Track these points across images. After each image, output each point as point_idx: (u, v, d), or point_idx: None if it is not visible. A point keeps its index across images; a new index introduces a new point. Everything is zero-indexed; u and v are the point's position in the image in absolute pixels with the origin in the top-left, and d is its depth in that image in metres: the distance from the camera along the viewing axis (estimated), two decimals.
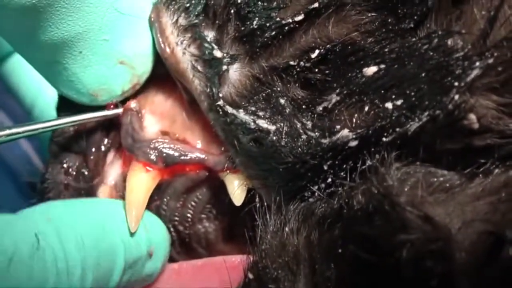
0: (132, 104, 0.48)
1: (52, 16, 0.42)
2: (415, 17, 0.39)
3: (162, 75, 0.47)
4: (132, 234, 0.44)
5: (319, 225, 0.39)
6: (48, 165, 0.51)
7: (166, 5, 0.45)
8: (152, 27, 0.45)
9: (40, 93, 0.66)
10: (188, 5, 0.44)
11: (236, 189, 0.45)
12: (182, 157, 0.46)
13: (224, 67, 0.42)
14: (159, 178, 0.47)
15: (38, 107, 0.67)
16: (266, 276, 0.39)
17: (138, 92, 0.49)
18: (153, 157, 0.46)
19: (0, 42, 0.64)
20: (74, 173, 0.49)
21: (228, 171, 0.45)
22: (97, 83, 0.45)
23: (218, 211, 0.49)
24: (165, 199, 0.49)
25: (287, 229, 0.40)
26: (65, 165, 0.49)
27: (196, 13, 0.44)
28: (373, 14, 0.41)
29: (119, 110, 0.47)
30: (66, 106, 0.48)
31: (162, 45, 0.44)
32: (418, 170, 0.36)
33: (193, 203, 0.49)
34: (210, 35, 0.44)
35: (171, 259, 0.51)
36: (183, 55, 0.44)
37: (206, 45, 0.43)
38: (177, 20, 0.44)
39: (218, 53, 0.43)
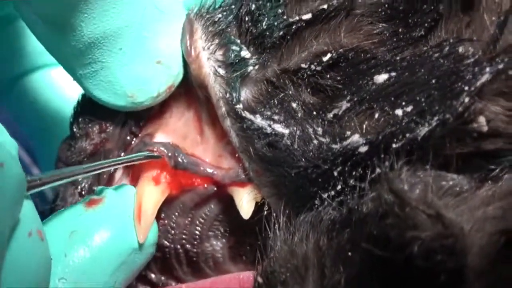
0: (148, 129, 0.49)
1: (96, 7, 0.42)
2: (426, 25, 0.40)
3: (178, 96, 0.48)
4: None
5: (328, 231, 0.39)
6: (58, 188, 0.51)
7: (199, 14, 0.46)
8: (182, 30, 0.46)
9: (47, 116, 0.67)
10: (220, 15, 0.45)
11: (244, 202, 0.45)
12: (192, 166, 0.46)
13: (250, 68, 0.43)
14: (168, 191, 0.47)
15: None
16: (275, 279, 0.39)
17: (153, 117, 0.49)
18: (168, 152, 0.46)
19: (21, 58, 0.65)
20: (86, 192, 0.49)
21: (236, 185, 0.46)
22: (134, 83, 0.45)
23: (225, 228, 0.49)
24: (173, 216, 0.49)
25: (296, 237, 0.40)
26: (79, 187, 0.49)
27: (227, 22, 0.45)
28: (384, 24, 0.41)
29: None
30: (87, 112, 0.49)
31: (189, 48, 0.45)
32: (428, 174, 0.36)
33: (201, 220, 0.49)
34: (239, 41, 0.45)
35: (178, 280, 0.51)
36: (208, 60, 0.44)
37: (234, 47, 0.44)
38: (208, 26, 0.45)
39: (246, 54, 0.44)
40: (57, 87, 0.67)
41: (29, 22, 0.46)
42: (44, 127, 0.67)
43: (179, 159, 0.46)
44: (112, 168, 0.47)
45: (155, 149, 0.46)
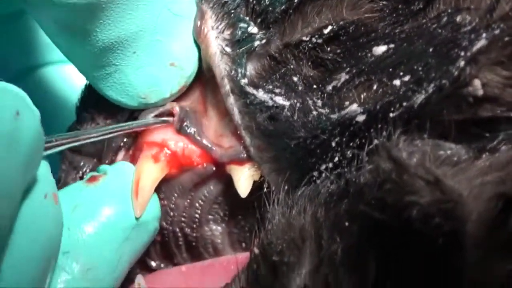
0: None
1: (112, 13, 0.42)
2: None
3: None
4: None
5: (326, 203, 0.39)
6: (60, 173, 0.51)
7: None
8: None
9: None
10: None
11: (242, 180, 0.45)
12: (195, 135, 0.47)
13: (257, 43, 0.44)
14: (167, 170, 0.47)
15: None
16: (271, 250, 0.38)
17: None
18: (180, 113, 0.47)
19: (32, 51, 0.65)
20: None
21: (234, 163, 0.46)
22: (147, 86, 0.46)
23: (225, 212, 0.50)
24: (172, 197, 0.49)
25: (294, 211, 0.40)
26: (80, 171, 0.50)
27: (235, 4, 0.45)
28: (384, 2, 0.42)
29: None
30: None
31: (199, 28, 0.46)
32: (426, 143, 0.36)
33: (200, 202, 0.49)
34: (247, 18, 0.45)
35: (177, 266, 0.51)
36: (216, 39, 0.45)
37: (242, 24, 0.45)
38: (216, 8, 0.46)
39: (253, 29, 0.44)
40: (70, 81, 0.68)
41: (43, 25, 0.47)
42: (54, 120, 0.67)
43: (185, 124, 0.47)
44: (125, 131, 0.47)
45: (171, 108, 0.47)
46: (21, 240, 0.34)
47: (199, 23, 0.46)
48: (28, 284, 0.35)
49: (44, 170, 0.36)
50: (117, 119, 0.49)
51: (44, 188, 0.36)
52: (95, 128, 0.48)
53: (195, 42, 0.47)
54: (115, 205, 0.43)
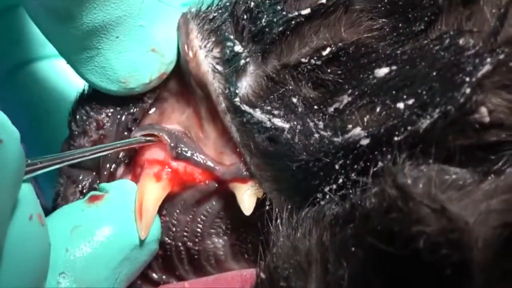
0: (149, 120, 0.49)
1: None
2: (426, 19, 0.40)
3: (178, 92, 0.49)
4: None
5: (331, 226, 0.39)
6: (59, 187, 0.50)
7: (194, 13, 0.47)
8: (178, 30, 0.47)
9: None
10: (215, 14, 0.46)
11: (246, 198, 0.45)
12: (194, 157, 0.46)
13: (242, 61, 0.44)
14: (169, 188, 0.46)
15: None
16: (278, 275, 0.38)
17: (154, 112, 0.50)
18: (171, 142, 0.47)
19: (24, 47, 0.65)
20: (87, 190, 0.49)
21: (237, 181, 0.46)
22: (127, 70, 0.46)
23: (227, 226, 0.49)
24: (175, 213, 0.48)
25: (299, 233, 0.40)
26: (80, 185, 0.49)
27: (222, 19, 0.45)
28: (384, 20, 0.42)
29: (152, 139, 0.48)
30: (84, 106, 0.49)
31: (186, 48, 0.46)
32: (431, 168, 0.36)
33: (202, 217, 0.49)
34: (232, 37, 0.45)
35: (180, 278, 0.50)
36: (205, 58, 0.45)
37: (229, 43, 0.44)
38: (203, 25, 0.46)
39: (239, 48, 0.44)
40: (63, 75, 0.67)
41: (29, 9, 0.47)
42: (47, 114, 0.67)
43: (180, 150, 0.46)
44: (109, 152, 0.47)
45: (159, 135, 0.47)
46: (9, 263, 0.34)
47: (184, 42, 0.46)
48: None
49: (27, 192, 0.36)
50: (108, 128, 0.49)
51: (28, 210, 0.36)
52: (80, 149, 0.47)
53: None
54: (115, 226, 0.43)
